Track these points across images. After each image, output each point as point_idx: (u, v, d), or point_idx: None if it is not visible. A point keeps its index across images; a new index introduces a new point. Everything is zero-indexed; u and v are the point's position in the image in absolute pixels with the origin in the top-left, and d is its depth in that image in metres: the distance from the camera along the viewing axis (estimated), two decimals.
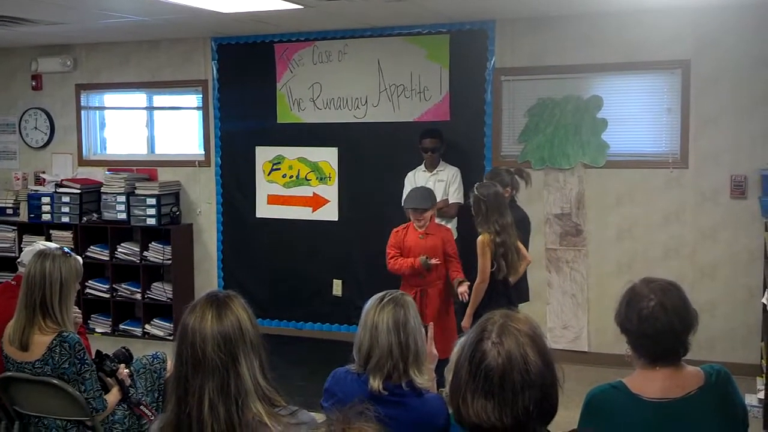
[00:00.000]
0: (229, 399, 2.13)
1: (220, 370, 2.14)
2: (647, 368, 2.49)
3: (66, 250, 3.96)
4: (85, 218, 7.85)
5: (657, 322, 2.42)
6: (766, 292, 5.33)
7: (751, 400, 5.06)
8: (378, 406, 2.69)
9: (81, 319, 4.23)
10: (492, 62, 6.75)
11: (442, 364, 3.04)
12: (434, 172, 6.50)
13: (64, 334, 3.65)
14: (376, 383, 2.80)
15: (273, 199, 7.59)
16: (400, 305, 2.89)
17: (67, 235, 7.83)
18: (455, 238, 5.89)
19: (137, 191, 7.72)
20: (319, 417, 2.27)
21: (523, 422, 1.81)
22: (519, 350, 1.82)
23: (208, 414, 2.11)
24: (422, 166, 6.57)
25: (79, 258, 4.03)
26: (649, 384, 2.45)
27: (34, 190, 8.13)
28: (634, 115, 6.46)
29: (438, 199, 5.99)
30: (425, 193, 5.64)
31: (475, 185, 5.18)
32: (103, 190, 7.82)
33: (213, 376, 2.14)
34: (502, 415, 1.79)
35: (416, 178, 6.53)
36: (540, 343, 1.88)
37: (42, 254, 3.77)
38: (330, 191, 7.37)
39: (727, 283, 6.30)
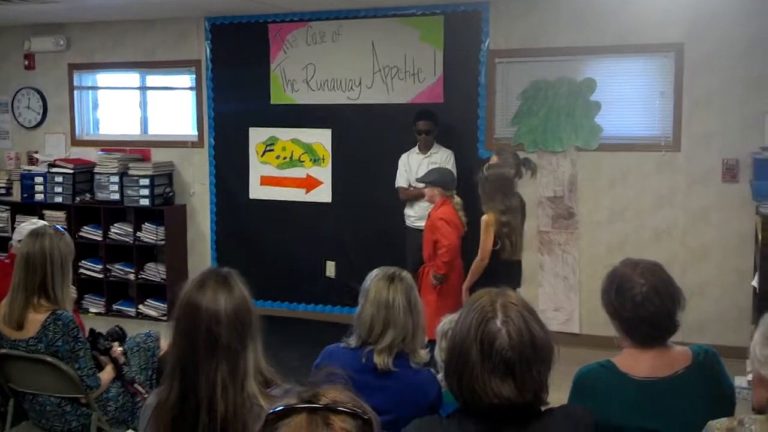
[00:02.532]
0: (236, 381, 2.14)
1: (233, 352, 2.14)
2: (636, 348, 2.50)
3: (58, 227, 3.95)
4: (78, 198, 7.84)
5: (651, 305, 2.42)
6: (756, 275, 5.37)
7: (740, 382, 5.10)
8: (371, 377, 2.76)
9: (76, 296, 4.23)
10: (486, 44, 6.75)
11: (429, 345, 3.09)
12: (428, 154, 6.50)
13: (58, 312, 3.66)
14: (382, 359, 2.82)
15: (266, 180, 7.59)
16: (409, 283, 2.93)
17: (60, 215, 7.81)
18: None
19: (130, 172, 7.70)
20: None
21: (539, 395, 1.86)
22: (525, 326, 1.86)
23: (221, 396, 2.11)
24: (416, 148, 6.58)
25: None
26: (638, 363, 2.47)
27: (27, 170, 8.10)
28: (627, 98, 6.47)
29: None
30: (432, 170, 5.74)
31: (485, 165, 5.22)
32: (96, 170, 7.81)
33: (226, 358, 2.13)
34: (523, 391, 1.83)
35: (410, 160, 6.55)
36: (537, 315, 1.93)
37: (37, 233, 3.75)
38: (323, 173, 7.38)
39: (717, 266, 6.34)
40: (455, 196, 5.56)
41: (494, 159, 5.53)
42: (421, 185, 5.80)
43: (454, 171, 6.38)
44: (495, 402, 1.83)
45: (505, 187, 5.10)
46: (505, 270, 5.11)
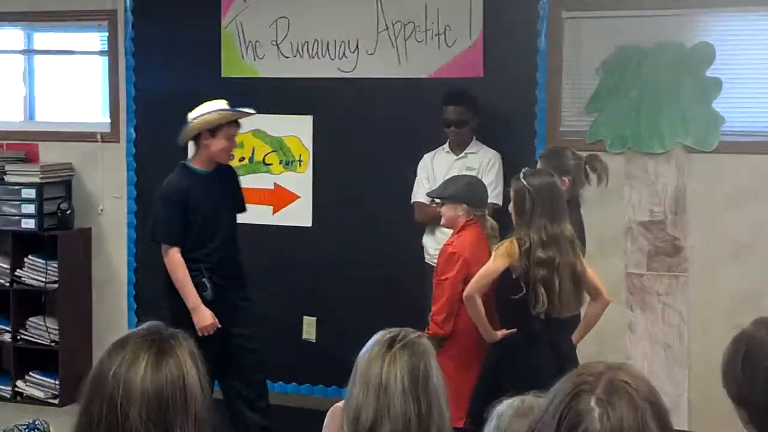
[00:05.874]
0: None
1: None
2: None
3: None
4: None
5: None
6: None
7: None
8: None
9: None
10: None
11: None
12: (461, 155, 6.53)
13: None
14: None
15: None
16: (418, 352, 2.93)
17: None
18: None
19: (7, 177, 7.75)
20: None
21: None
22: (636, 420, 1.78)
23: None
24: (445, 146, 6.60)
25: None
26: None
27: None
28: (761, 75, 6.52)
29: None
30: (450, 179, 5.86)
31: (523, 170, 5.22)
32: None
33: None
34: None
35: (434, 164, 6.57)
36: (663, 412, 1.85)
37: None
38: (301, 182, 7.38)
39: None
40: (488, 218, 5.62)
41: (540, 164, 5.54)
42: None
43: (501, 183, 6.45)
44: None
45: (556, 206, 5.09)
46: (546, 330, 5.10)
